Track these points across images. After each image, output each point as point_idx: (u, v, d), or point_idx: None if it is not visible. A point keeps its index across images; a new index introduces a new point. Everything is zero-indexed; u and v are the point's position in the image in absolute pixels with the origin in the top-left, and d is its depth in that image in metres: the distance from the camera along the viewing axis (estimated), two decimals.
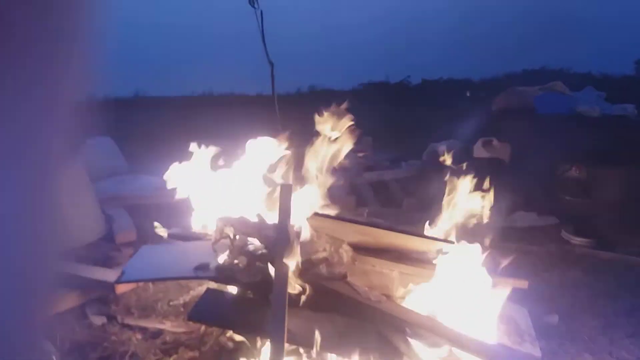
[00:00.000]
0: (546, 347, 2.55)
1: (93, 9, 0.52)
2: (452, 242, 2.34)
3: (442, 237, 2.44)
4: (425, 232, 2.59)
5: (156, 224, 3.12)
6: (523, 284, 2.90)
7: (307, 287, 2.27)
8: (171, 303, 2.88)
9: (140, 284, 3.01)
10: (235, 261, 2.43)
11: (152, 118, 7.40)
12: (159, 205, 4.25)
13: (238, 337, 2.36)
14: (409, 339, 2.17)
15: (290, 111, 5.21)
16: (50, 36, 0.47)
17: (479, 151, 4.72)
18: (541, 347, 2.43)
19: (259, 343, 2.32)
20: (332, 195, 4.30)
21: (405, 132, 6.43)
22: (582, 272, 3.42)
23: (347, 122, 2.69)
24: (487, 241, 2.52)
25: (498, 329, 2.36)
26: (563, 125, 4.53)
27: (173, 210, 4.09)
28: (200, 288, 2.95)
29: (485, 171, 4.56)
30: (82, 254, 3.32)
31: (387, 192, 4.89)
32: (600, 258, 3.63)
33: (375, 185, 4.94)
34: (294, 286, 2.21)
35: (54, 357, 2.25)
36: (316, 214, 2.21)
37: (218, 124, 6.41)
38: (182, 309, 2.82)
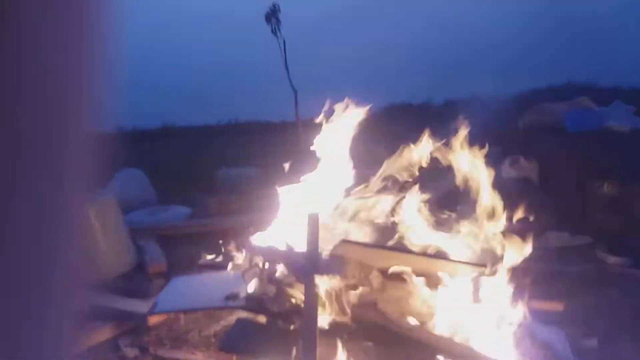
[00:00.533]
0: None
1: (119, 42, 0.54)
2: (484, 266, 2.31)
3: (473, 262, 2.41)
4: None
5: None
6: (558, 306, 2.83)
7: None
8: (202, 333, 2.90)
9: (172, 314, 3.03)
10: (265, 290, 2.45)
11: (179, 148, 7.55)
12: (189, 235, 4.31)
13: None
14: None
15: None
16: (75, 66, 0.47)
17: (506, 171, 4.66)
18: None
19: None
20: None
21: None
22: (619, 293, 3.32)
23: None
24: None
25: (534, 355, 2.31)
26: (592, 142, 4.45)
27: (202, 240, 4.15)
28: (231, 317, 2.96)
29: (514, 191, 4.52)
30: (113, 286, 3.37)
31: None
32: (637, 277, 3.52)
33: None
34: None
35: None
36: (344, 241, 2.22)
37: (245, 151, 6.49)
38: (213, 339, 2.83)
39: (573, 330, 2.79)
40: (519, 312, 2.41)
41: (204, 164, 6.40)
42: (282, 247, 2.55)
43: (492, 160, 5.02)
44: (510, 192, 4.50)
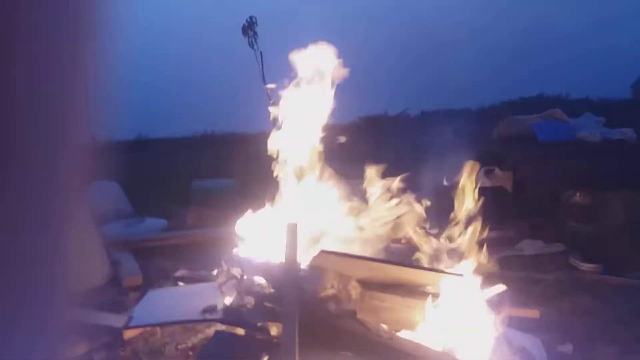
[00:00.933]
0: None
1: (100, 50, 0.54)
2: (460, 275, 2.33)
3: (450, 270, 2.43)
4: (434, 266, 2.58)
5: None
6: (534, 313, 2.87)
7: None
8: (179, 347, 2.85)
9: (148, 328, 2.98)
10: (243, 302, 2.42)
11: (154, 160, 7.47)
12: (165, 248, 4.26)
13: None
14: None
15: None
16: (58, 75, 0.48)
17: (481, 180, 4.73)
18: None
19: None
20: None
21: (405, 164, 6.46)
22: (593, 299, 3.38)
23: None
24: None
25: None
26: (564, 152, 4.55)
27: (178, 253, 4.10)
28: (209, 330, 2.93)
29: (488, 200, 4.58)
30: (88, 299, 3.30)
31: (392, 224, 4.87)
32: (610, 283, 3.59)
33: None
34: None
35: None
36: (323, 252, 2.21)
37: (222, 163, 6.46)
38: (190, 353, 2.78)
39: (548, 336, 2.83)
40: (495, 319, 2.43)
41: (179, 176, 6.34)
42: (260, 259, 2.53)
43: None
44: (485, 201, 4.58)
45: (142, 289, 3.43)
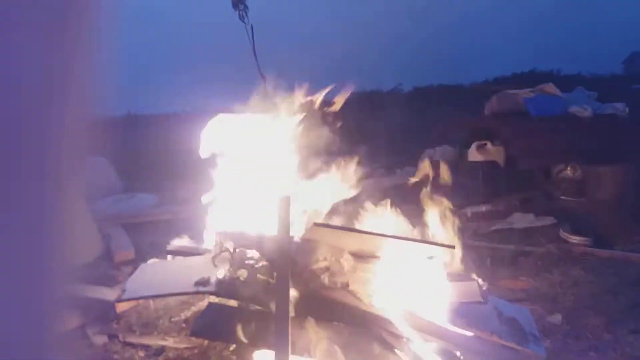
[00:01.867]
0: (550, 346, 2.54)
1: (90, 28, 0.53)
2: (452, 247, 2.34)
3: (442, 242, 2.43)
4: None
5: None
6: (525, 284, 2.91)
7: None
8: (173, 319, 2.86)
9: (141, 301, 2.98)
10: (236, 275, 2.42)
11: (145, 136, 7.40)
12: (155, 223, 4.25)
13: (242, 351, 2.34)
14: (413, 345, 2.17)
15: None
16: (57, 53, 0.48)
17: (473, 155, 4.74)
18: (545, 347, 2.42)
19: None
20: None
21: (399, 140, 6.45)
22: (582, 271, 3.42)
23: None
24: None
25: (501, 330, 2.36)
26: (556, 127, 4.56)
27: (169, 228, 4.09)
28: (202, 303, 2.93)
29: (480, 175, 4.61)
30: (80, 274, 3.29)
31: (384, 199, 4.88)
32: (599, 256, 3.64)
33: (371, 192, 4.94)
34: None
35: None
36: (315, 224, 2.21)
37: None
38: (184, 325, 2.80)
39: (538, 307, 2.87)
40: (486, 289, 2.46)
41: (170, 152, 6.29)
42: (253, 232, 2.52)
43: (459, 146, 5.12)
44: (476, 175, 4.60)
45: (133, 264, 3.43)
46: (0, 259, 0.46)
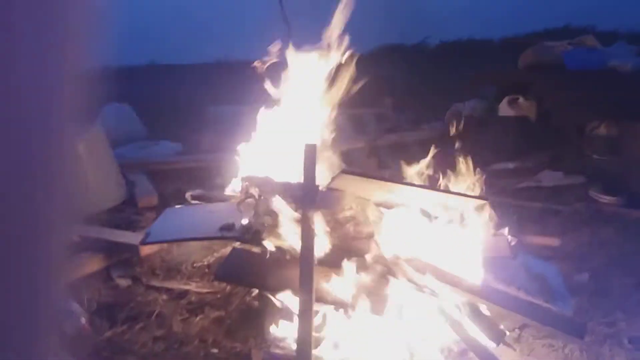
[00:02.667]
0: (577, 304, 2.49)
1: None
2: (486, 199, 2.27)
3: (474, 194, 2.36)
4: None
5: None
6: (554, 241, 2.84)
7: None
8: (195, 265, 2.88)
9: (164, 246, 3.00)
10: (261, 221, 2.40)
11: (168, 85, 7.33)
12: (179, 171, 4.24)
13: (265, 297, 2.34)
14: (438, 297, 2.14)
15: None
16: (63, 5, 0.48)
17: (504, 110, 4.59)
18: (572, 305, 2.38)
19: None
20: (352, 157, 4.23)
21: (426, 94, 6.28)
22: (612, 231, 3.33)
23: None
24: None
25: (529, 286, 2.31)
26: (593, 81, 4.36)
27: (193, 177, 4.09)
28: (225, 250, 2.94)
29: (509, 131, 4.47)
30: (104, 219, 3.32)
31: (408, 154, 4.80)
32: (630, 217, 3.53)
33: (396, 147, 4.85)
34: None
35: (82, 318, 2.27)
36: (343, 171, 2.16)
37: (235, 90, 6.33)
38: (206, 271, 2.82)
39: (565, 266, 2.81)
40: (515, 244, 2.40)
41: (194, 101, 6.24)
42: (279, 179, 2.49)
43: (488, 100, 4.95)
44: (507, 131, 4.47)
45: (157, 210, 3.44)
46: (20, 202, 0.46)
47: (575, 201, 3.74)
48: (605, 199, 3.71)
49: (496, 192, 3.84)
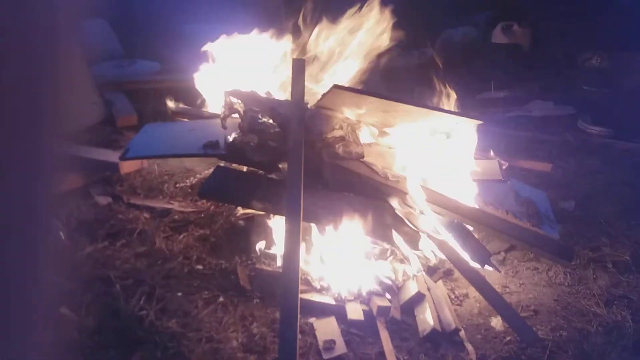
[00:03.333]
0: (563, 230, 2.50)
1: None
2: (479, 121, 2.20)
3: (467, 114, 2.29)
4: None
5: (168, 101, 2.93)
6: (545, 166, 2.81)
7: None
8: (178, 185, 2.80)
9: (145, 165, 2.90)
10: (246, 139, 2.30)
11: (145, 2, 6.93)
12: (158, 90, 4.06)
13: (250, 215, 2.29)
14: (426, 217, 2.11)
15: None
16: None
17: (497, 37, 4.44)
18: (558, 230, 2.38)
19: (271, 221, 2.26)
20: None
21: (417, 19, 6.04)
22: (599, 161, 3.32)
23: None
24: None
25: (517, 210, 2.30)
26: (591, 9, 4.21)
27: (172, 95, 3.91)
28: (207, 172, 2.86)
29: (502, 58, 4.36)
30: (82, 138, 3.18)
31: (398, 80, 4.66)
32: (617, 148, 3.52)
33: (385, 73, 4.70)
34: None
35: (61, 234, 2.19)
36: (336, 86, 2.04)
37: (214, 7, 6.01)
38: (189, 191, 2.74)
39: (552, 193, 2.80)
40: (505, 168, 2.37)
41: (171, 19, 5.92)
42: (265, 96, 2.37)
43: (481, 26, 4.78)
44: (498, 59, 4.35)
45: (136, 129, 3.30)
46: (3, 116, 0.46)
47: (564, 131, 3.71)
48: (594, 129, 3.69)
49: (486, 120, 3.78)
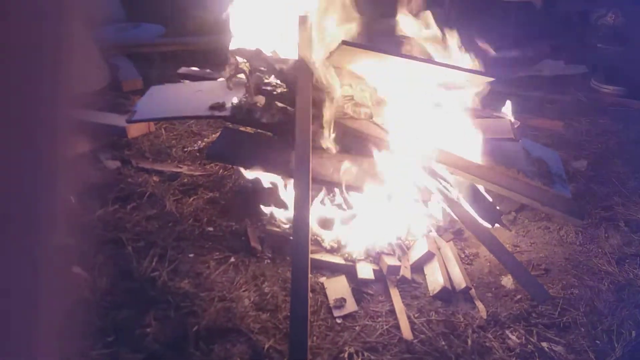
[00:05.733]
0: (574, 190, 2.48)
1: None
2: (492, 78, 2.15)
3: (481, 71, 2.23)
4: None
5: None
6: (557, 125, 2.77)
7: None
8: (186, 149, 2.78)
9: (152, 129, 2.89)
10: (253, 101, 2.27)
11: None
12: (163, 54, 4.00)
13: (259, 178, 2.27)
14: (437, 178, 2.09)
15: None
16: None
17: None
18: (570, 189, 2.36)
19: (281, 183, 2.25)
20: None
21: None
22: (611, 121, 3.27)
23: None
24: None
25: (529, 169, 2.27)
26: None
27: (177, 61, 3.85)
28: (214, 135, 2.84)
29: (512, 16, 4.24)
30: (87, 102, 3.15)
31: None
32: (630, 107, 3.45)
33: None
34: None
35: (71, 197, 2.19)
36: (344, 42, 1.99)
37: None
38: (197, 155, 2.72)
39: (564, 153, 2.76)
40: (517, 127, 2.32)
41: None
42: (271, 55, 2.32)
43: None
44: (509, 17, 4.24)
45: (142, 93, 3.27)
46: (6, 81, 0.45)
47: (575, 91, 3.64)
48: (607, 88, 3.61)
49: (496, 80, 3.70)
